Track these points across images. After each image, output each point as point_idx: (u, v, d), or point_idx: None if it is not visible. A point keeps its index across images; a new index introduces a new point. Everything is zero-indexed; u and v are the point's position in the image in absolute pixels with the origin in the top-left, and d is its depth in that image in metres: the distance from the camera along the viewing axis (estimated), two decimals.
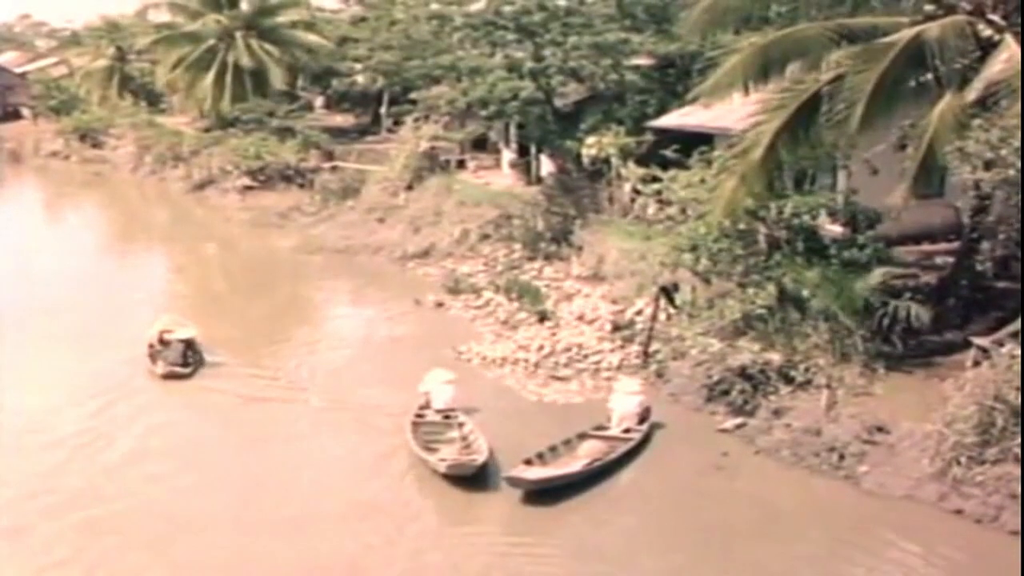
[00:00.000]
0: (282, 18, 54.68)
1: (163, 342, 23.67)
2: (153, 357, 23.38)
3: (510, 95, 33.66)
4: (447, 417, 19.42)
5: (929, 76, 18.90)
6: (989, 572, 14.85)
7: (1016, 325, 18.03)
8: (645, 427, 19.03)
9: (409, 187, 38.48)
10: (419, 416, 19.46)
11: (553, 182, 34.26)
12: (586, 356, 23.03)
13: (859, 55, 18.60)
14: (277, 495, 17.16)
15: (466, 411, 19.59)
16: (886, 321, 19.55)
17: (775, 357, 19.89)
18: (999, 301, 20.57)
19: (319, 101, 60.89)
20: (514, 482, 16.85)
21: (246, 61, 52.54)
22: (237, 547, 15.55)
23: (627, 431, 18.82)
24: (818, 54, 19.80)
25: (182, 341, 23.46)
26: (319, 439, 19.53)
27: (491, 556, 15.47)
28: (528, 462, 17.33)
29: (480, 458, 17.60)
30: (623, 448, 18.29)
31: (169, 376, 22.71)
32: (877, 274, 19.99)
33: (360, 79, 55.73)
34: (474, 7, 38.04)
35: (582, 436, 18.55)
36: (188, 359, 23.24)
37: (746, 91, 20.22)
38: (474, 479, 17.26)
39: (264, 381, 22.58)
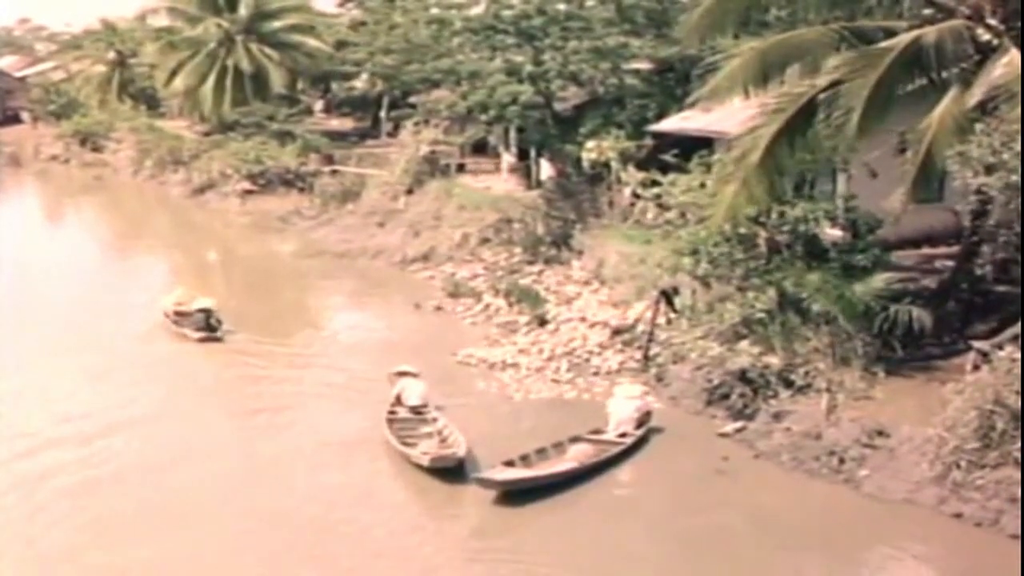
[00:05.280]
0: (282, 22, 54.65)
1: (179, 313, 26.10)
2: (179, 323, 25.96)
3: (510, 99, 33.63)
4: (419, 413, 19.69)
5: (928, 80, 18.89)
6: None
7: (1016, 329, 18.01)
8: (641, 432, 19.01)
9: (409, 191, 38.47)
10: (392, 413, 19.75)
11: (553, 186, 34.26)
12: (586, 360, 23.05)
13: (856, 60, 18.58)
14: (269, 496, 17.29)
15: (437, 407, 19.88)
16: (886, 325, 19.54)
17: (775, 361, 19.89)
18: (999, 305, 20.56)
19: (319, 105, 60.87)
20: (484, 483, 16.92)
21: (246, 65, 52.53)
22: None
23: (623, 435, 18.81)
24: (817, 58, 19.79)
25: (202, 310, 25.62)
26: (314, 433, 19.82)
27: (471, 552, 15.71)
28: (510, 463, 17.38)
29: (460, 451, 17.90)
30: (611, 452, 18.28)
31: (205, 340, 25.24)
32: (877, 278, 19.99)
33: (360, 83, 55.77)
34: (474, 11, 38.10)
35: (574, 439, 18.55)
36: (213, 325, 25.60)
37: (746, 95, 20.20)
38: (454, 472, 17.47)
39: (267, 384, 22.76)
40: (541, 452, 18.02)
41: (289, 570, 15.13)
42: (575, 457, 17.88)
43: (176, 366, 24.26)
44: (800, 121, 19.14)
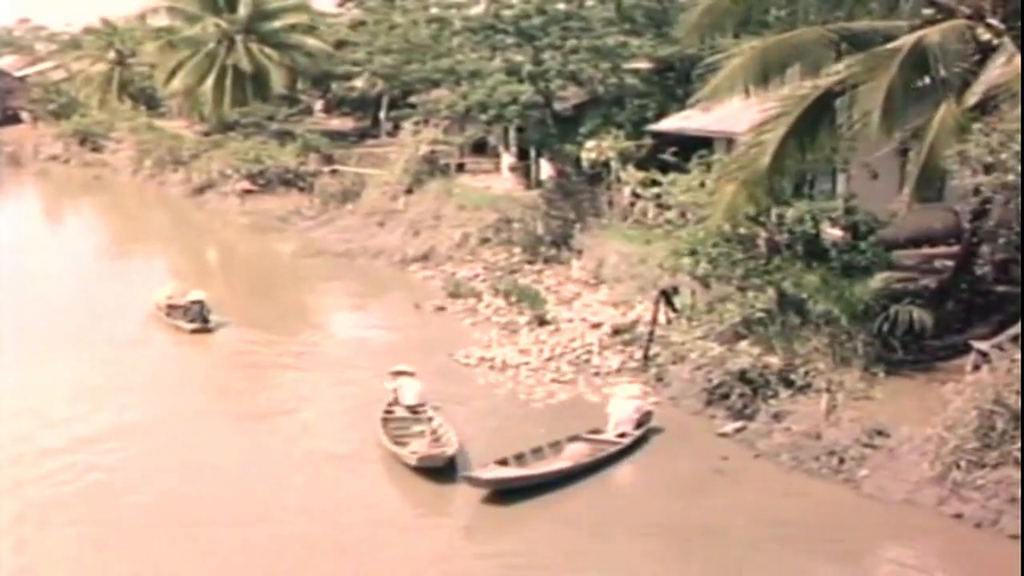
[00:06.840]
0: (281, 22, 54.65)
1: (171, 306, 26.92)
2: (171, 315, 26.78)
3: (509, 99, 33.66)
4: (415, 412, 19.68)
5: (930, 81, 18.87)
6: None
7: (1016, 329, 18.00)
8: (640, 432, 18.98)
9: (409, 191, 38.45)
10: (388, 412, 19.75)
11: (553, 186, 34.28)
12: (586, 360, 23.03)
13: (864, 62, 18.56)
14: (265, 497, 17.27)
15: (435, 407, 19.84)
16: (886, 325, 19.53)
17: (775, 361, 19.87)
18: (999, 305, 20.54)
19: (319, 105, 60.88)
20: (473, 482, 16.88)
21: (245, 65, 52.54)
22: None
23: (622, 435, 18.78)
24: (817, 58, 19.80)
25: (196, 302, 26.41)
26: (315, 434, 19.86)
27: (453, 553, 15.66)
28: (503, 462, 17.34)
29: (449, 450, 17.86)
30: (607, 452, 18.26)
31: (197, 331, 26.06)
32: (877, 278, 19.98)
33: (359, 83, 55.74)
34: (473, 11, 38.11)
35: (572, 439, 18.52)
36: (205, 316, 26.45)
37: (746, 95, 20.22)
38: (445, 471, 17.43)
39: (263, 383, 22.72)
40: (537, 451, 17.99)
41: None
42: (571, 456, 17.84)
43: (170, 361, 24.63)
44: (806, 123, 19.12)
